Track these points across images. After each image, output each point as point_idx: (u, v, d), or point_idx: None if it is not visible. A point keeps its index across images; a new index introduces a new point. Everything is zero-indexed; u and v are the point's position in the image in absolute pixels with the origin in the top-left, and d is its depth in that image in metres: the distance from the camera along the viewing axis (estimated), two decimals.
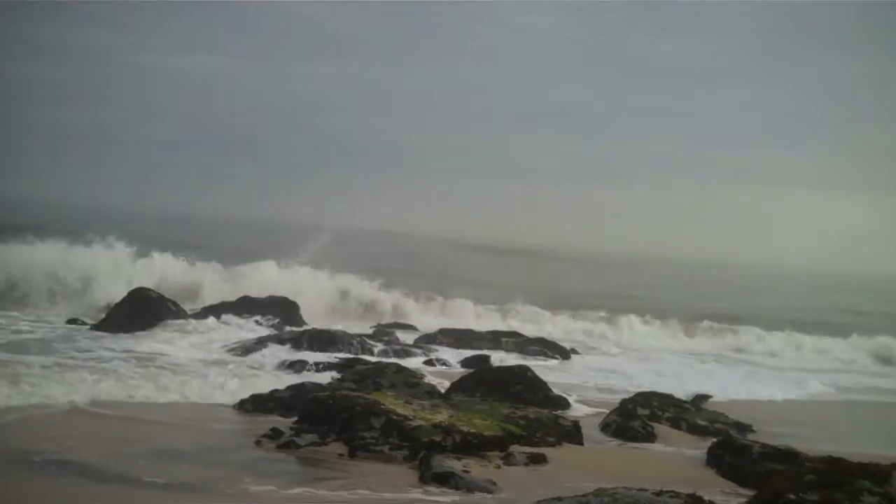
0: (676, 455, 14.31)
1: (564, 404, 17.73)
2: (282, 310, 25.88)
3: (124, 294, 24.50)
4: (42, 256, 27.39)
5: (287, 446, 12.78)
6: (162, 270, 29.53)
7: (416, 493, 11.02)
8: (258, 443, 12.90)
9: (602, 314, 35.33)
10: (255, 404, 15.15)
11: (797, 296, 71.81)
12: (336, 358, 20.39)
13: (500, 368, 19.22)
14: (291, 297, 27.19)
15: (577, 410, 17.52)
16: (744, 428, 16.57)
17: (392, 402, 14.06)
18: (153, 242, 30.73)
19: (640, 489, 9.84)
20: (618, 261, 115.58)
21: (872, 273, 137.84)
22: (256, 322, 24.60)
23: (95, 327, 22.80)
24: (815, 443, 14.69)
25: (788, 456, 12.73)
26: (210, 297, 27.84)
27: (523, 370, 18.84)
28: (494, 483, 11.42)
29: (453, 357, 23.16)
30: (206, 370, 17.97)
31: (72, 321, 23.93)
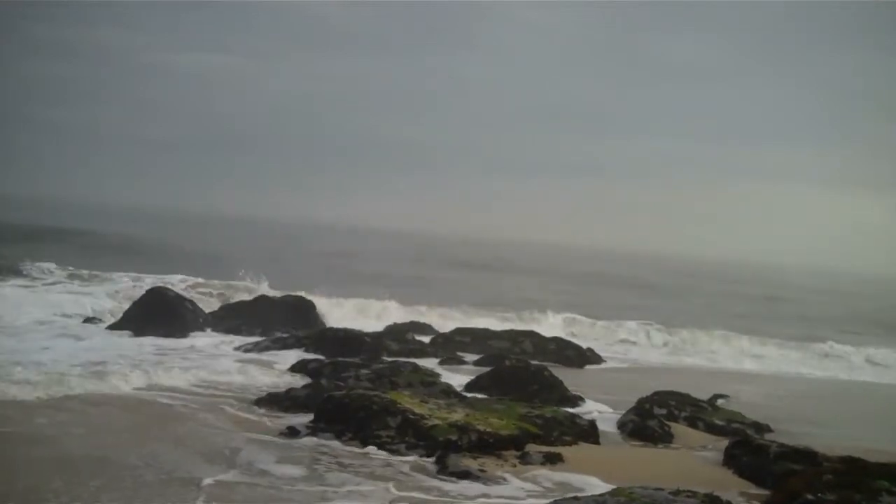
0: (693, 455, 14.25)
1: (581, 403, 17.70)
2: (298, 309, 25.94)
3: None
4: None
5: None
6: None
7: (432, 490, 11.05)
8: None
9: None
10: (270, 402, 15.20)
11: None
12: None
13: (516, 367, 19.17)
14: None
15: (594, 410, 17.45)
16: (761, 427, 16.48)
17: (408, 402, 14.09)
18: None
19: (657, 489, 9.82)
20: (642, 259, 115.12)
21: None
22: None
23: (113, 327, 22.89)
24: (833, 441, 14.61)
25: (806, 456, 12.64)
26: None
27: (540, 369, 18.84)
28: (510, 482, 11.41)
29: (469, 356, 23.16)
30: None
31: (89, 320, 24.10)
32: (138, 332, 21.98)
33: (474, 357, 22.97)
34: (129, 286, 30.04)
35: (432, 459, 12.24)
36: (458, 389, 17.49)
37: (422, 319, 29.22)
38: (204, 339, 22.41)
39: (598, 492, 10.15)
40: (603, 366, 25.00)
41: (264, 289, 29.99)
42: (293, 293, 27.27)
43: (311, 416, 14.10)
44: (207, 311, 25.40)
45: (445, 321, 29.39)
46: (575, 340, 26.79)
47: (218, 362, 19.16)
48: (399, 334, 24.75)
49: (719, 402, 18.77)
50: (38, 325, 22.49)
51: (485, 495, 11.00)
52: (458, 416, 13.78)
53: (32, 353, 17.92)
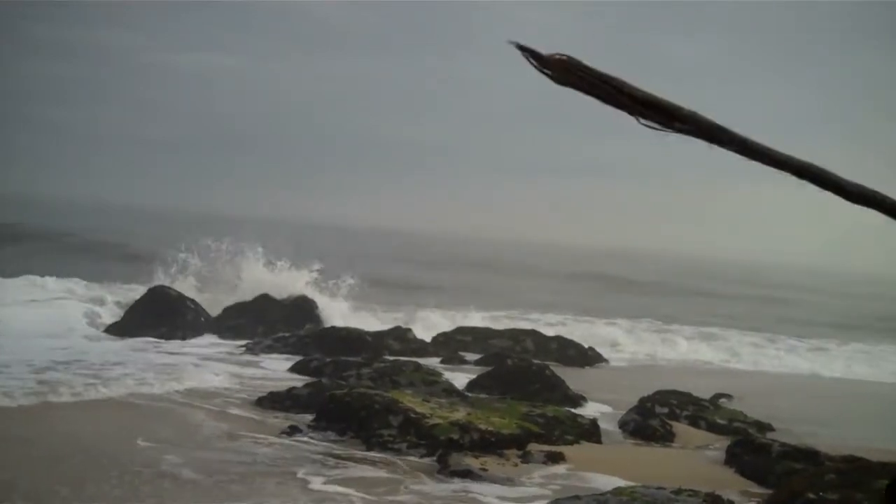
0: (695, 454, 14.25)
1: (583, 403, 17.70)
2: (300, 308, 25.93)
3: None
4: None
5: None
6: None
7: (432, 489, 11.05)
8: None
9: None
10: (272, 402, 15.20)
11: None
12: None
13: (518, 367, 19.18)
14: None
15: (596, 409, 17.45)
16: (763, 427, 16.48)
17: (410, 400, 14.09)
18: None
19: (659, 488, 9.82)
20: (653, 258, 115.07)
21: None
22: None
23: (112, 328, 22.78)
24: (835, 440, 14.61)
25: (808, 455, 12.65)
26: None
27: (542, 368, 18.84)
28: (512, 481, 11.41)
29: (471, 355, 23.14)
30: None
31: (88, 321, 23.95)
32: (138, 332, 21.93)
33: (476, 356, 22.96)
34: (129, 287, 29.96)
35: (434, 458, 12.25)
36: (460, 388, 17.49)
37: (422, 319, 29.18)
38: (205, 339, 22.43)
39: (599, 491, 10.15)
40: (604, 365, 24.99)
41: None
42: (294, 293, 27.25)
43: (312, 416, 14.11)
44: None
45: (446, 320, 29.35)
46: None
47: (219, 362, 19.19)
48: (400, 333, 24.73)
49: (721, 401, 18.76)
50: (37, 327, 22.36)
51: (486, 494, 10.99)
52: (459, 415, 13.78)
53: (28, 353, 17.80)
